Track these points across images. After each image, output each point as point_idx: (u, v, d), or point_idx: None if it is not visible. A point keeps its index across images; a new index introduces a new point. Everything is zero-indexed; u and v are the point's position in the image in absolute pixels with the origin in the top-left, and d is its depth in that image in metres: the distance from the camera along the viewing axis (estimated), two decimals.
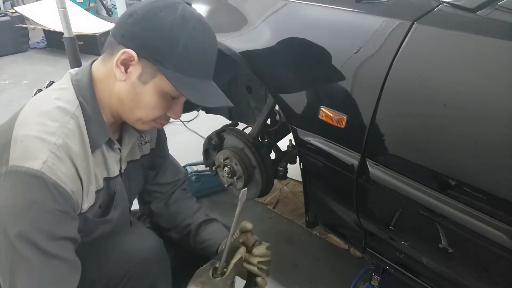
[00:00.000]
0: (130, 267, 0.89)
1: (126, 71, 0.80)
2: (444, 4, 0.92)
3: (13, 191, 0.72)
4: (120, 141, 0.94)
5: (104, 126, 0.85)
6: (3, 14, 4.81)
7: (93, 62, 0.87)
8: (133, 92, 0.81)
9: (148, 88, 0.80)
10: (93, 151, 0.83)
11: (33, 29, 4.99)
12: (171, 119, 0.91)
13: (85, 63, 0.88)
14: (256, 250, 0.96)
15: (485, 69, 0.82)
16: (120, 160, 0.94)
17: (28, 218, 0.71)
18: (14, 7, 5.33)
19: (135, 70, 0.79)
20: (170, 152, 1.19)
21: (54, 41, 4.93)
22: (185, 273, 0.98)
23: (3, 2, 5.86)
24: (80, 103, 0.81)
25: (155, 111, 0.84)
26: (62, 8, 2.38)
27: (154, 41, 0.77)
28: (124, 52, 0.77)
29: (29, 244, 0.72)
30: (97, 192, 0.86)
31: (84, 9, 4.99)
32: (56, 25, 4.24)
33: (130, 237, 0.95)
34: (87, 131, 0.81)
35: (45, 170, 0.72)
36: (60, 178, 0.74)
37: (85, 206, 0.83)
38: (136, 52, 0.77)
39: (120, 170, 0.94)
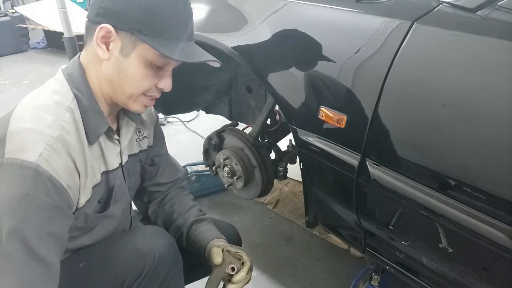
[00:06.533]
0: (144, 266, 0.88)
1: (107, 48, 0.80)
2: (444, 4, 0.92)
3: (6, 183, 0.70)
4: (117, 133, 0.94)
5: (102, 115, 0.85)
6: (3, 14, 4.82)
7: (80, 54, 0.87)
8: (118, 68, 0.81)
9: (132, 60, 0.80)
10: (92, 142, 0.83)
11: (33, 29, 4.99)
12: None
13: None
14: (236, 278, 0.96)
15: (485, 69, 0.82)
16: (121, 152, 0.94)
17: (19, 211, 0.69)
18: (14, 7, 5.33)
19: (116, 45, 0.79)
20: (170, 152, 1.19)
21: (54, 41, 4.94)
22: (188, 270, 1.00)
23: (3, 2, 5.87)
24: (75, 96, 0.82)
25: (143, 83, 0.83)
26: (62, 8, 2.39)
27: (127, 10, 0.76)
28: (101, 28, 0.77)
29: (16, 239, 0.69)
30: (94, 187, 0.86)
31: (84, 9, 5.00)
32: (56, 25, 4.24)
33: (143, 236, 0.95)
34: (85, 123, 0.82)
35: (40, 162, 0.71)
36: (55, 171, 0.73)
37: (82, 200, 0.82)
38: (112, 26, 0.77)
39: (121, 163, 0.94)
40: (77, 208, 0.82)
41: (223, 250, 0.99)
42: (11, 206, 0.69)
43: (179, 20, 0.82)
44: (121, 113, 0.94)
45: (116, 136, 0.91)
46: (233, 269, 0.96)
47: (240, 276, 0.96)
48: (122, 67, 0.81)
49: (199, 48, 0.86)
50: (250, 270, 0.99)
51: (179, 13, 0.81)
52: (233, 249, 1.01)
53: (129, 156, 0.99)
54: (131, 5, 0.76)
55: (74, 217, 0.81)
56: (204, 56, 0.85)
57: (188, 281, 1.05)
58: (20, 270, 0.70)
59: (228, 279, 0.97)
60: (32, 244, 0.70)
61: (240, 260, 0.99)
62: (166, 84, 0.86)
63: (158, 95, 0.89)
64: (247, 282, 0.99)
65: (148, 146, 1.07)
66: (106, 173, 0.90)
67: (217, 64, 0.87)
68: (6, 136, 0.72)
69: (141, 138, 1.03)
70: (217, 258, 0.97)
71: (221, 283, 0.98)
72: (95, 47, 0.80)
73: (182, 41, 0.82)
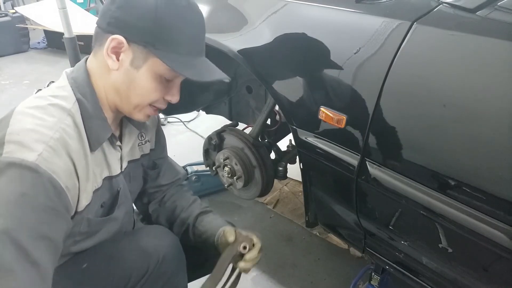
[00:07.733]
0: (149, 265, 0.88)
1: (117, 59, 0.79)
2: (444, 4, 0.92)
3: (4, 181, 0.68)
4: (120, 139, 0.93)
5: (106, 122, 0.84)
6: (3, 15, 4.82)
7: (87, 58, 0.86)
8: (128, 80, 0.81)
9: (142, 72, 0.80)
10: (94, 149, 0.82)
11: (34, 29, 4.99)
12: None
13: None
14: (248, 256, 0.95)
15: (485, 69, 0.82)
16: (121, 158, 0.93)
17: (15, 212, 0.67)
18: (15, 8, 5.33)
19: (127, 56, 0.78)
20: (170, 152, 1.19)
21: (54, 41, 4.94)
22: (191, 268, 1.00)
23: (4, 3, 5.87)
24: (78, 100, 0.80)
25: (152, 96, 0.83)
26: (63, 9, 2.39)
27: (140, 23, 0.76)
28: (112, 39, 0.77)
29: (10, 240, 0.65)
30: (95, 191, 0.85)
31: (85, 9, 5.00)
32: (56, 26, 4.24)
33: (147, 236, 0.95)
34: (87, 129, 0.80)
35: (40, 162, 0.69)
36: (55, 172, 0.71)
37: (82, 204, 0.81)
38: (124, 38, 0.76)
39: (121, 169, 0.94)
40: (77, 212, 0.80)
41: (235, 230, 0.99)
42: (8, 205, 0.67)
43: (192, 36, 0.81)
44: (124, 119, 0.94)
45: (118, 143, 0.91)
46: (245, 248, 0.96)
47: (252, 254, 0.95)
48: (131, 79, 0.80)
49: (210, 63, 0.86)
50: (261, 250, 0.98)
51: (194, 30, 0.81)
52: (243, 232, 1.02)
53: (129, 162, 0.98)
54: (145, 18, 0.76)
55: (73, 222, 0.79)
56: (216, 74, 0.85)
57: (188, 280, 1.06)
58: (11, 270, 0.65)
59: (238, 259, 0.96)
60: (26, 246, 0.67)
61: (251, 240, 0.99)
62: (174, 96, 0.87)
63: (164, 107, 0.89)
64: (257, 263, 0.98)
65: (151, 150, 1.06)
66: (109, 178, 0.89)
67: (227, 80, 0.87)
68: (5, 137, 0.71)
69: (143, 143, 1.03)
70: (230, 236, 0.96)
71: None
72: (104, 57, 0.79)
73: (194, 56, 0.82)
